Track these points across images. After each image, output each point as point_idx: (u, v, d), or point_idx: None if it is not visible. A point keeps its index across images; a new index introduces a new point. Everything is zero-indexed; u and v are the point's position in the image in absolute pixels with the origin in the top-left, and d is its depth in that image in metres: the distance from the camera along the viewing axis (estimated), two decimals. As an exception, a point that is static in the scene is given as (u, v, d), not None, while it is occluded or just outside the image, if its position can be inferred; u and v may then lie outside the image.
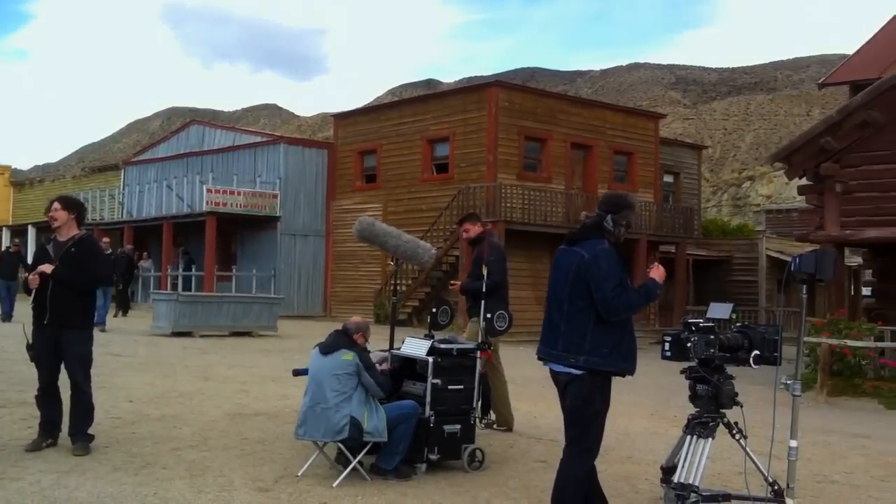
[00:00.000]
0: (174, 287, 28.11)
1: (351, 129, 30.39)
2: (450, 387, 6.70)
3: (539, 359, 5.10)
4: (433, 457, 6.60)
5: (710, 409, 5.41)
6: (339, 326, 6.67)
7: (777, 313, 27.86)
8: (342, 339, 6.42)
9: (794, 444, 5.00)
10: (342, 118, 31.63)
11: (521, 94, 27.28)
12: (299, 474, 6.32)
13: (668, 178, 32.41)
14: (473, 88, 28.77)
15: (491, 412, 8.42)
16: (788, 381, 4.92)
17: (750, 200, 61.78)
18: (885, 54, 17.71)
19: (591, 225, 4.98)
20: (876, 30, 20.22)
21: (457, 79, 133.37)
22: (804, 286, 4.99)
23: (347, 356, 6.25)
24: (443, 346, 6.81)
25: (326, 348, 6.35)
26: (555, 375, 4.99)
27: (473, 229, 8.48)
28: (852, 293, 28.86)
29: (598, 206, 5.08)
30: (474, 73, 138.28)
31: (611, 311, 4.76)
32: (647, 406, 11.09)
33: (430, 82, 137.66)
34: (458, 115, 26.37)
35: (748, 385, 7.89)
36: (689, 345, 5.38)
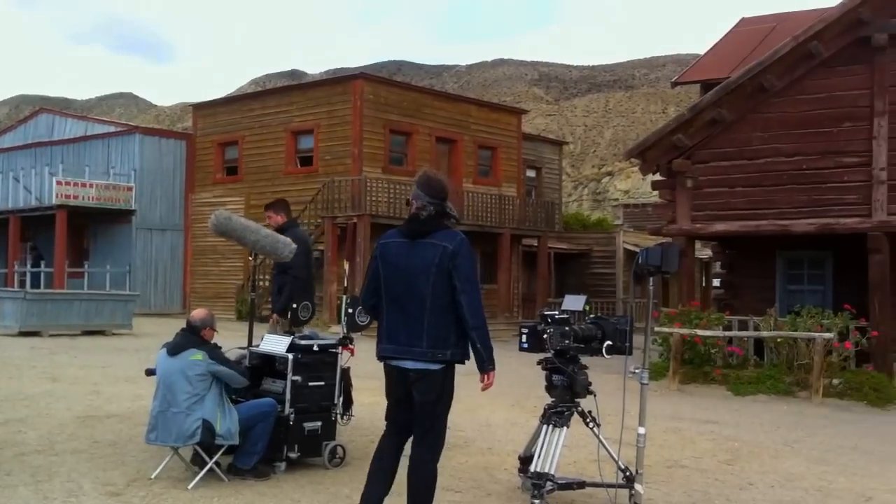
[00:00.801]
0: (21, 284, 26.73)
1: (211, 120, 29.64)
2: (310, 383, 6.61)
3: (387, 357, 4.85)
4: (293, 455, 6.51)
5: (566, 398, 5.54)
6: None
7: (632, 304, 28.84)
8: (190, 339, 6.19)
9: (642, 430, 5.18)
10: (202, 108, 30.81)
11: (386, 87, 27.26)
12: (153, 477, 6.11)
13: (531, 173, 33.09)
14: (339, 80, 28.54)
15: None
16: (637, 370, 5.08)
17: (609, 195, 63.78)
18: (734, 55, 18.54)
19: (436, 214, 4.80)
20: (726, 31, 21.17)
21: (322, 70, 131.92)
22: (651, 278, 5.16)
23: (196, 356, 6.05)
24: (303, 342, 6.71)
25: (174, 349, 6.12)
26: (402, 373, 4.81)
27: (275, 218, 7.95)
28: (703, 284, 30.22)
29: (431, 194, 4.81)
30: (340, 65, 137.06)
31: (475, 315, 4.72)
32: (508, 397, 11.26)
33: (294, 73, 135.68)
34: (323, 107, 26.14)
35: (602, 374, 8.09)
36: (545, 336, 5.49)
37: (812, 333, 13.16)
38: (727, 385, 13.43)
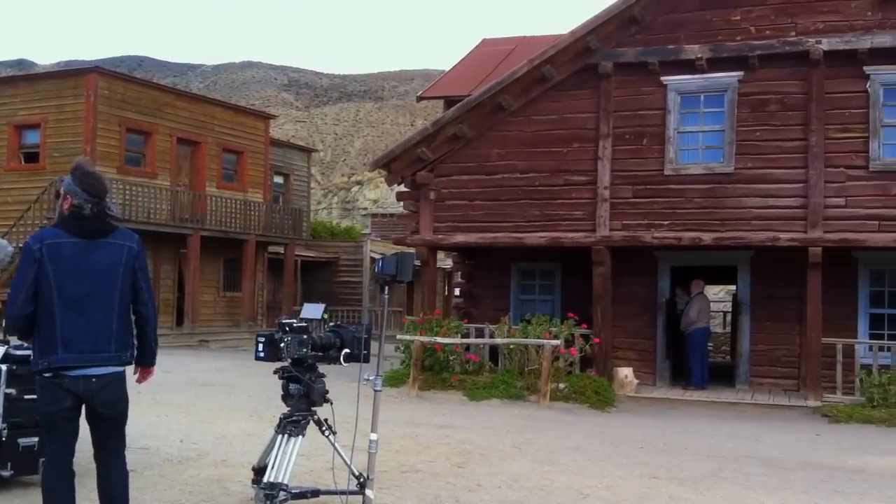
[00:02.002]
0: None
1: (-80, 109, 26.77)
2: (26, 396, 6.13)
3: (65, 368, 4.38)
4: (5, 473, 6.03)
5: (302, 407, 5.49)
6: None
7: (377, 313, 29.24)
8: None
9: (374, 437, 5.24)
10: (-89, 95, 27.76)
11: (123, 82, 25.84)
12: None
13: (279, 179, 32.70)
14: (70, 73, 26.72)
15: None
16: (370, 377, 5.13)
17: (358, 204, 64.45)
18: (476, 74, 19.29)
19: (106, 212, 4.55)
20: (469, 50, 22.00)
21: (55, 61, 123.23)
22: (386, 286, 5.25)
23: None
24: (18, 352, 6.20)
25: None
26: (79, 383, 4.41)
27: None
28: (446, 293, 31.20)
29: (94, 192, 4.51)
30: (75, 57, 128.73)
31: (155, 314, 4.74)
32: (246, 408, 11.02)
33: (22, 63, 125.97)
34: (52, 100, 24.39)
35: (345, 382, 8.13)
36: (282, 345, 5.42)
37: (541, 340, 13.95)
38: (464, 390, 13.89)
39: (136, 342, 4.67)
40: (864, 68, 14.17)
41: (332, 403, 5.54)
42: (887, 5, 14.05)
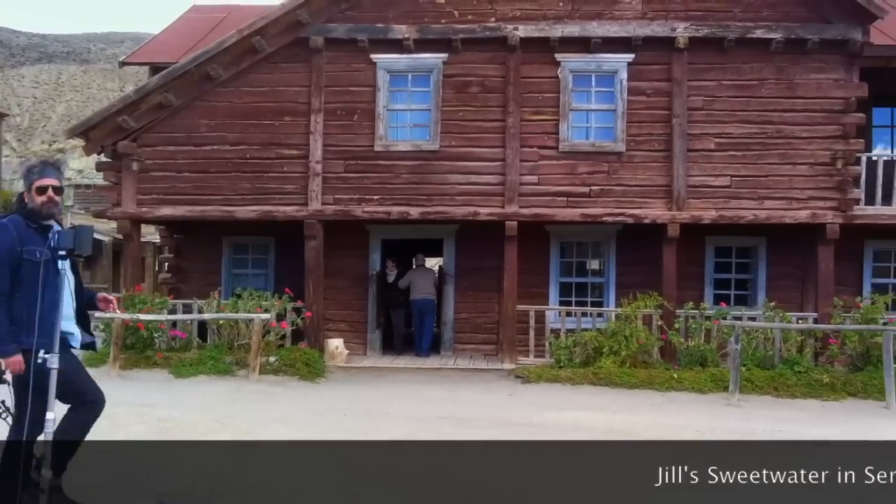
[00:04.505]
0: None
1: None
2: None
3: None
4: None
5: (-27, 390, 5.15)
6: None
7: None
8: None
9: (50, 416, 5.02)
10: None
11: None
12: None
13: (-36, 145, 29.79)
14: None
15: None
16: (47, 356, 4.89)
17: (60, 174, 60.01)
18: (185, 41, 18.58)
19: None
20: (179, 15, 21.16)
21: None
22: (68, 261, 4.98)
23: None
24: None
25: None
26: None
27: None
28: (157, 269, 29.98)
29: None
30: None
31: None
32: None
33: None
34: None
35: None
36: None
37: (251, 315, 13.86)
38: (170, 368, 13.50)
39: None
40: (556, 55, 15.29)
41: (9, 384, 5.23)
42: (577, -4, 15.23)
